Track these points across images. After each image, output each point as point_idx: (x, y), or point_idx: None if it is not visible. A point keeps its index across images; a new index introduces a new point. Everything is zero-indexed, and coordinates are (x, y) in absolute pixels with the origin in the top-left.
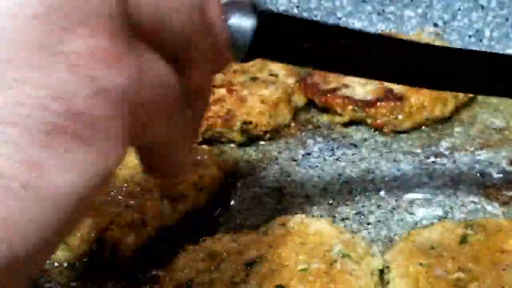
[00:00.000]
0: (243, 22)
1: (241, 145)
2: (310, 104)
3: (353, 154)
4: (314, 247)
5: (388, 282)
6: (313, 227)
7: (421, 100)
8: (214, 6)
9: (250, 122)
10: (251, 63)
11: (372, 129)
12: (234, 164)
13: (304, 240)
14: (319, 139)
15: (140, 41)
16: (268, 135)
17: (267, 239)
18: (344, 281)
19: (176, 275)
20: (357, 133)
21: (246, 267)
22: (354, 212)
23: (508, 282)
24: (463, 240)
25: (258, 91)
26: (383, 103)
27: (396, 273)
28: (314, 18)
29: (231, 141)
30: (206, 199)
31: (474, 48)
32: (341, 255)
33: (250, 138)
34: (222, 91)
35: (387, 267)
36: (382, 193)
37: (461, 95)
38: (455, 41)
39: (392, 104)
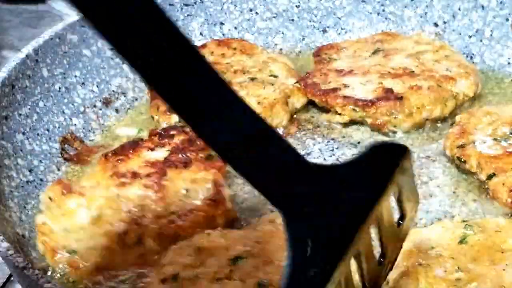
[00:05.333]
0: None
1: None
2: (310, 104)
3: (353, 154)
4: None
5: (388, 282)
6: None
7: (421, 100)
8: None
9: None
10: (252, 63)
11: (372, 129)
12: None
13: None
14: (318, 139)
15: None
16: None
17: (255, 236)
18: None
19: (163, 269)
20: (356, 133)
21: (231, 263)
22: None
23: (507, 282)
24: (463, 240)
25: (255, 92)
26: (382, 102)
27: (396, 272)
28: (314, 18)
29: None
30: (204, 199)
31: (474, 47)
32: None
33: None
34: None
35: None
36: None
37: (460, 95)
38: (455, 41)
39: (392, 104)
